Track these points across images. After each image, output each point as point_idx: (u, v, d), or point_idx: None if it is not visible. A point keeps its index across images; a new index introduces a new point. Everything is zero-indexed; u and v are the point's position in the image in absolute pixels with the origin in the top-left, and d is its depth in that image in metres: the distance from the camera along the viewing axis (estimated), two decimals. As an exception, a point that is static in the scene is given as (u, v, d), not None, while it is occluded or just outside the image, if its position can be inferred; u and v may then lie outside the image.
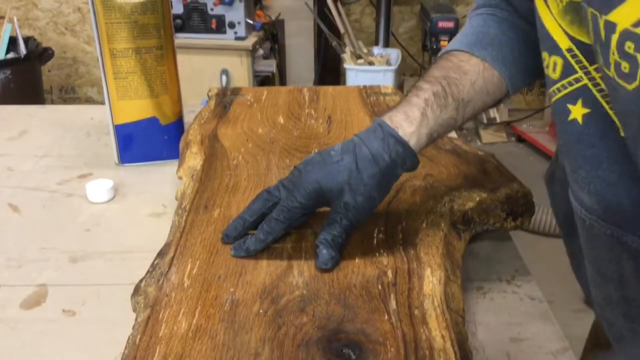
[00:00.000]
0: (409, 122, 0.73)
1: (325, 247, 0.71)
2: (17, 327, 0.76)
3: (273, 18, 3.24)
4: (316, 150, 1.02)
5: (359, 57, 3.12)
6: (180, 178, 0.98)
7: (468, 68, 0.78)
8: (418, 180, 0.90)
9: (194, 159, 1.00)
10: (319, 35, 3.44)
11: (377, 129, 0.72)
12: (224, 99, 1.26)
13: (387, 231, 0.78)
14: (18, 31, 3.04)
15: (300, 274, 0.70)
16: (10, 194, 1.08)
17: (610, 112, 0.59)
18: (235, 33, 2.91)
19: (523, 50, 0.79)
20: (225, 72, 2.95)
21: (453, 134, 1.19)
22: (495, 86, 0.79)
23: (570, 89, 0.63)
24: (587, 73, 0.61)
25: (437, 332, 0.60)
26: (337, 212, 0.72)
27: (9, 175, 1.15)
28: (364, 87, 1.34)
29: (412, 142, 0.73)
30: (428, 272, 0.70)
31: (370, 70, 3.07)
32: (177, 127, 1.19)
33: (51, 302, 0.80)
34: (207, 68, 2.93)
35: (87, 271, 0.87)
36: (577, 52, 0.61)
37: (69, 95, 3.82)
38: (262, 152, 1.01)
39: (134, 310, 0.68)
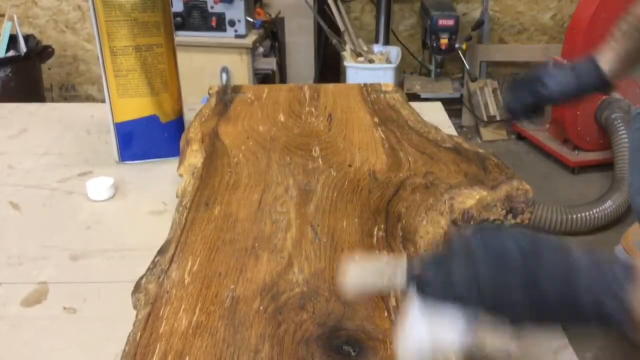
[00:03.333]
0: None
1: None
2: (18, 325, 0.76)
3: (273, 16, 3.23)
4: (317, 148, 1.02)
5: (359, 54, 3.12)
6: (180, 175, 0.98)
7: None
8: (418, 178, 0.90)
9: (194, 156, 1.00)
10: (319, 33, 3.44)
11: None
12: (225, 97, 1.26)
13: (387, 229, 0.78)
14: (18, 29, 3.04)
15: (301, 271, 0.70)
16: (11, 192, 1.08)
17: None
18: (236, 31, 2.90)
19: None
20: (225, 70, 2.95)
21: (453, 132, 1.19)
22: None
23: None
24: None
25: (436, 329, 0.60)
26: None
27: (10, 173, 1.15)
28: (365, 85, 1.34)
29: None
30: (428, 269, 0.70)
31: (370, 68, 3.07)
32: (178, 124, 1.19)
33: (52, 299, 0.80)
34: (207, 66, 2.93)
35: (87, 269, 0.87)
36: None
37: (69, 93, 3.82)
38: (263, 149, 1.02)
39: (135, 307, 0.68)
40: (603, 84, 0.90)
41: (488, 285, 0.49)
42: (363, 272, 0.52)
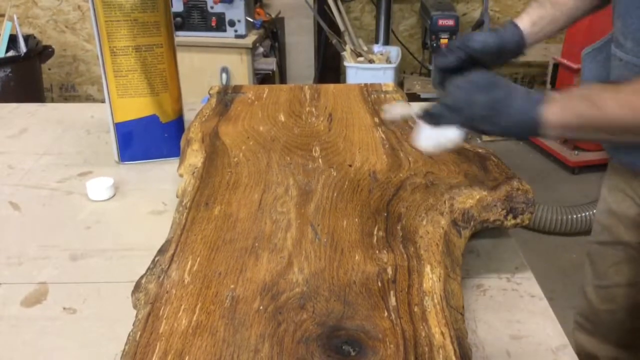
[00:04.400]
0: None
1: None
2: (18, 325, 0.76)
3: (273, 16, 3.23)
4: (317, 148, 1.02)
5: (359, 54, 3.12)
6: (181, 175, 0.98)
7: None
8: (418, 178, 0.90)
9: (195, 156, 1.00)
10: (319, 33, 3.44)
11: None
12: (225, 97, 1.26)
13: (387, 228, 0.78)
14: (18, 29, 3.04)
15: (301, 271, 0.70)
16: (11, 192, 1.08)
17: None
18: (236, 31, 2.90)
19: None
20: (225, 70, 2.95)
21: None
22: None
23: None
24: None
25: (436, 329, 0.60)
26: None
27: (10, 173, 1.15)
28: (365, 85, 1.34)
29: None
30: (428, 269, 0.70)
31: (370, 68, 3.07)
32: (177, 125, 1.19)
33: (52, 299, 0.80)
34: (207, 66, 2.93)
35: (87, 269, 0.87)
36: None
37: (69, 93, 3.82)
38: (263, 149, 1.02)
39: (135, 307, 0.68)
40: (519, 45, 1.08)
41: (463, 104, 0.79)
42: (396, 109, 0.95)
